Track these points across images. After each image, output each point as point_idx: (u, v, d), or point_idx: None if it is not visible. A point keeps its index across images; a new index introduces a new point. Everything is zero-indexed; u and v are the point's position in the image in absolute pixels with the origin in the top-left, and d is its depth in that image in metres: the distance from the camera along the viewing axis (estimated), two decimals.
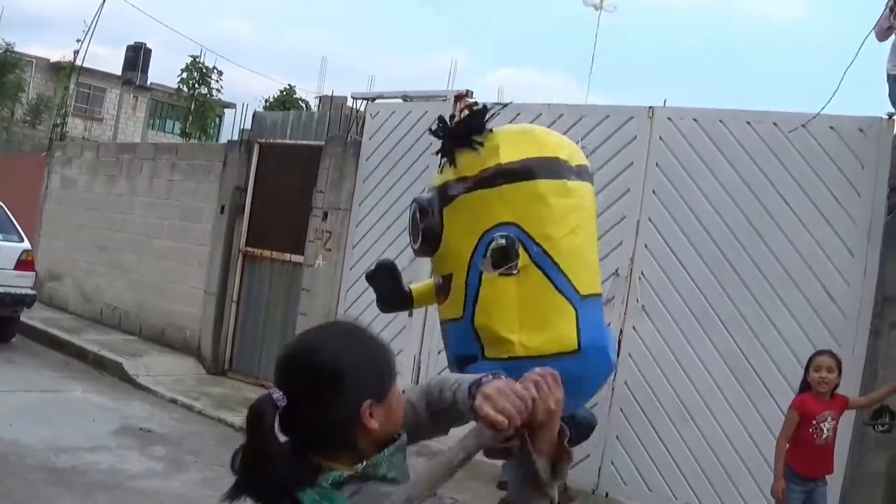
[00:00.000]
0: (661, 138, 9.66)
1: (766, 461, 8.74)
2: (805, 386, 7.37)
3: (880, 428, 7.70)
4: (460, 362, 3.42)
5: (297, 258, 13.00)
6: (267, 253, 13.62)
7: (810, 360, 7.43)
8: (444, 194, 3.92)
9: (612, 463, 9.69)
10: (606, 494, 9.67)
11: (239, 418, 11.10)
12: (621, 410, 9.65)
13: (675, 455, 9.34)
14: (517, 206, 3.41)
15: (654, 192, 9.65)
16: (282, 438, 2.23)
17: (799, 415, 7.24)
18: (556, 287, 3.25)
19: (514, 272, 3.33)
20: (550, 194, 3.44)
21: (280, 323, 13.26)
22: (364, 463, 2.24)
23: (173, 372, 13.54)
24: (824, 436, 7.16)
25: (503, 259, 3.32)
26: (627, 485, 9.61)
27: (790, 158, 9.01)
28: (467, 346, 3.42)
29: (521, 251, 3.39)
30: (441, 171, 3.95)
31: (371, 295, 11.27)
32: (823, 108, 8.49)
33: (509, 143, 3.85)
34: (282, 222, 13.40)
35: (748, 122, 9.26)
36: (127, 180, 16.70)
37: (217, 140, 30.11)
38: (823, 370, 7.23)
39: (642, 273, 9.65)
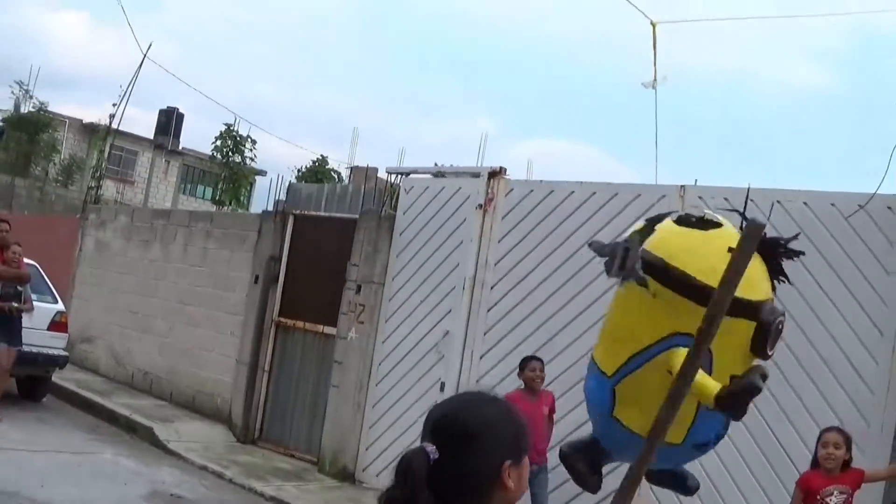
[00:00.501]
0: (685, 203, 9.69)
1: None
2: (815, 462, 7.36)
3: None
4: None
5: (329, 330, 13.02)
6: (300, 324, 13.64)
7: (819, 436, 7.40)
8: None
9: None
10: None
11: (269, 488, 11.20)
12: (651, 489, 9.59)
13: None
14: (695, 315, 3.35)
15: None
16: None
17: (803, 490, 7.26)
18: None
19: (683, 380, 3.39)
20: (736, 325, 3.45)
21: (311, 394, 13.26)
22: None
23: (204, 439, 13.54)
24: None
25: (693, 370, 3.31)
26: None
27: (819, 237, 9.02)
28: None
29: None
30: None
31: (401, 370, 11.41)
32: (876, 189, 8.52)
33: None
34: (315, 294, 13.46)
35: (778, 201, 9.23)
36: (161, 246, 16.81)
37: (249, 208, 30.28)
38: (830, 446, 7.18)
39: None
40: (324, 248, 13.44)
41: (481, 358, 11.07)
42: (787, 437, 8.94)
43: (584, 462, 3.91)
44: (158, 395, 15.88)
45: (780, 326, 3.45)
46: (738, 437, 9.08)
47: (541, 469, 9.27)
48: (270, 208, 14.43)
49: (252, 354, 13.93)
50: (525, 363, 9.60)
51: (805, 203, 9.18)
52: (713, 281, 3.20)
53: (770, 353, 3.42)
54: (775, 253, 3.68)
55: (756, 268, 3.49)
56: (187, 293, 15.84)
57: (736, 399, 3.41)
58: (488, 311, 11.09)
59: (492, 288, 11.10)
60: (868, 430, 8.56)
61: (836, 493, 7.08)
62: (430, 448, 2.32)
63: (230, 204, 31.27)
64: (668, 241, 3.58)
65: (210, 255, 15.62)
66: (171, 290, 16.23)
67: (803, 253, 3.66)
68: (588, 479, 3.95)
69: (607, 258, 3.75)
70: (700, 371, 3.22)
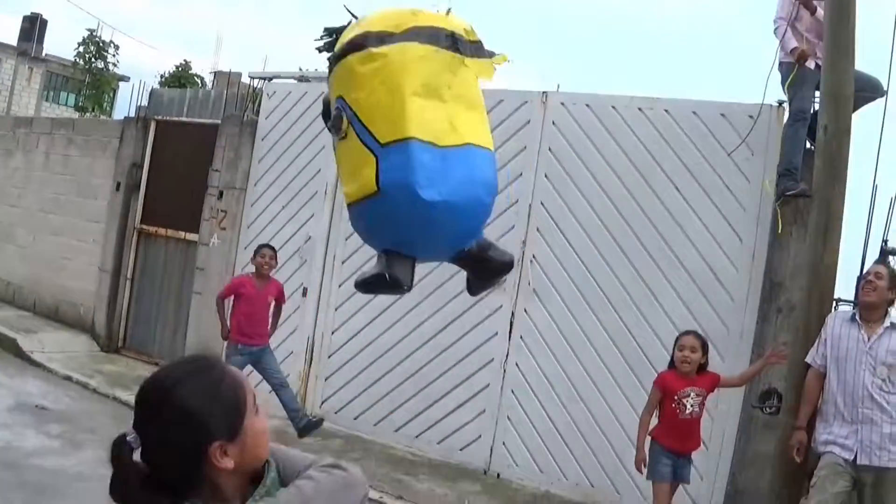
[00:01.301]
0: (554, 123, 9.64)
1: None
2: (672, 364, 7.46)
3: (768, 410, 7.80)
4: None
5: (192, 236, 12.82)
6: (162, 231, 13.41)
7: (676, 339, 7.50)
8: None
9: (504, 444, 9.68)
10: (498, 475, 9.67)
11: (132, 397, 10.95)
12: (512, 392, 9.65)
13: (565, 435, 9.37)
14: (340, 82, 3.57)
15: (546, 176, 9.63)
16: None
17: (660, 390, 7.34)
18: (362, 141, 3.48)
19: (342, 136, 3.53)
20: (357, 64, 3.55)
21: (174, 301, 13.08)
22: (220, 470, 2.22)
23: (67, 349, 13.31)
24: (688, 411, 7.20)
25: (336, 127, 3.54)
26: (519, 465, 9.62)
27: (681, 145, 9.04)
28: None
29: (343, 117, 3.55)
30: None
31: None
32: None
33: (344, 35, 3.89)
34: (177, 200, 13.19)
35: (640, 109, 9.28)
36: (23, 154, 16.34)
37: (112, 114, 29.70)
38: (687, 349, 7.29)
39: (534, 256, 9.63)
40: (186, 154, 13.17)
41: (343, 263, 10.94)
42: (646, 340, 9.01)
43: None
44: (21, 306, 15.56)
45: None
46: (598, 341, 9.16)
47: (263, 349, 9.84)
48: (132, 114, 14.07)
49: (115, 262, 13.68)
50: (258, 250, 10.01)
51: (666, 110, 9.18)
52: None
53: None
54: None
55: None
56: (50, 202, 15.46)
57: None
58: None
59: None
60: (728, 335, 8.69)
61: (692, 394, 7.20)
62: (131, 436, 2.19)
63: (93, 111, 30.59)
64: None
65: (72, 162, 15.21)
66: (34, 198, 15.83)
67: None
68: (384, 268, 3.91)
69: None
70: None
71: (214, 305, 9.86)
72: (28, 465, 7.99)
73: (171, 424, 2.19)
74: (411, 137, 3.48)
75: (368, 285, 3.89)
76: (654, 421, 7.38)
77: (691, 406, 7.19)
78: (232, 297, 9.89)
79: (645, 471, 7.42)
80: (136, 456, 2.20)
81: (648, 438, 7.38)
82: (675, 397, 7.22)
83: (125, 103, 49.09)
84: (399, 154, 3.50)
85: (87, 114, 29.11)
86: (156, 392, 2.24)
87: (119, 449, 2.17)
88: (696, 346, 7.32)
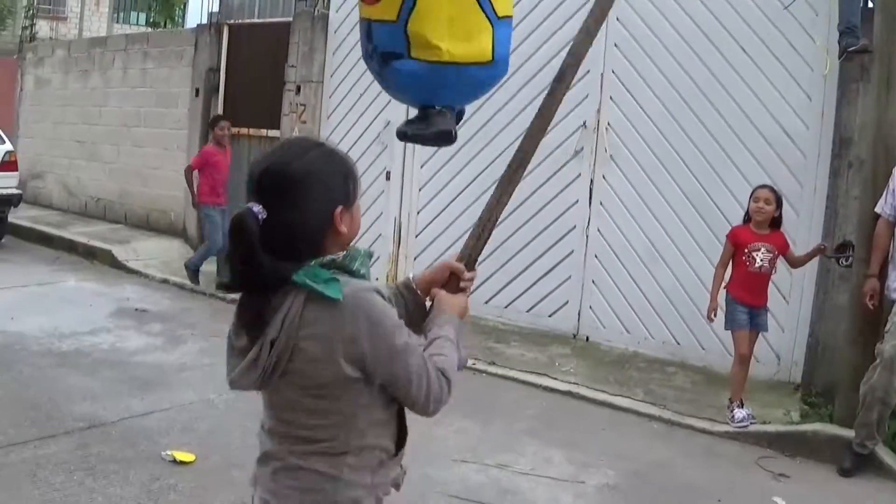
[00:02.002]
0: None
1: None
2: (747, 218, 7.66)
3: (844, 262, 7.85)
4: (386, 57, 3.52)
5: (273, 133, 13.00)
6: (244, 130, 13.56)
7: (752, 192, 7.69)
8: None
9: (591, 307, 9.91)
10: (587, 338, 9.91)
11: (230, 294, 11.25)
12: (596, 257, 9.84)
13: (650, 296, 9.57)
14: None
15: (616, 45, 9.70)
16: None
17: (732, 244, 7.61)
18: (481, 7, 3.43)
19: None
20: None
21: None
22: (343, 254, 2.44)
23: (161, 255, 13.67)
24: (757, 264, 7.50)
25: None
26: (606, 328, 9.85)
27: (746, 9, 9.05)
28: (396, 45, 3.52)
29: None
30: None
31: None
32: None
33: None
34: (256, 99, 13.38)
35: None
36: (100, 73, 16.60)
37: (184, 25, 29.56)
38: (762, 201, 7.53)
39: (609, 124, 9.75)
40: (260, 54, 13.33)
41: None
42: (723, 199, 9.12)
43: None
44: (113, 220, 15.99)
45: None
46: (676, 204, 9.28)
47: (223, 210, 11.53)
48: (205, 22, 14.25)
49: None
50: (216, 122, 11.75)
51: None
52: None
53: None
54: None
55: None
56: (131, 115, 15.74)
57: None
58: None
59: None
60: (802, 192, 8.77)
61: (763, 249, 7.45)
62: (257, 208, 2.32)
63: (165, 25, 30.45)
64: None
65: (150, 75, 15.44)
66: (115, 115, 16.11)
67: None
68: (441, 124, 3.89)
69: None
70: None
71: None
72: (133, 363, 8.28)
73: (303, 190, 2.37)
74: (511, 15, 3.55)
75: (424, 138, 3.63)
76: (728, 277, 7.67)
77: (761, 260, 7.45)
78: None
79: (715, 318, 7.71)
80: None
81: (723, 291, 7.65)
82: (746, 250, 7.48)
83: (196, 14, 48.87)
84: (506, 29, 3.56)
85: (160, 28, 29.05)
86: (277, 167, 2.41)
87: (244, 218, 2.30)
88: (770, 199, 7.52)
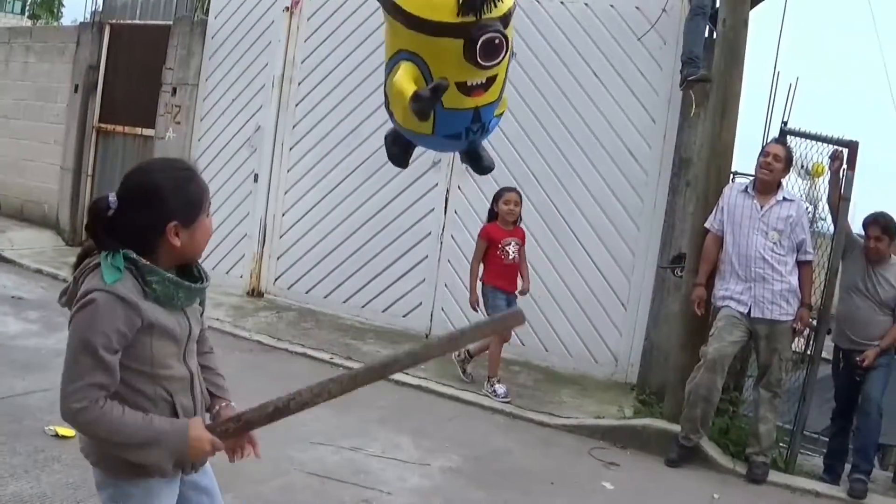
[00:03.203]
0: None
1: (577, 302, 9.26)
2: (493, 216, 8.37)
3: (678, 273, 8.15)
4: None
5: (148, 132, 12.80)
6: (120, 128, 13.38)
7: (499, 194, 8.34)
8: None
9: (442, 309, 10.02)
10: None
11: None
12: (449, 262, 9.96)
13: None
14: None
15: None
16: None
17: (486, 241, 8.27)
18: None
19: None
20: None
21: None
22: (145, 261, 2.73)
23: (35, 245, 13.33)
24: (511, 257, 8.26)
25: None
26: (455, 326, 9.80)
27: (600, 36, 9.31)
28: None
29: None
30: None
31: (218, 164, 11.38)
32: None
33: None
34: (133, 99, 13.15)
35: (562, 2, 9.51)
36: None
37: (60, 19, 28.86)
38: (512, 203, 8.28)
39: None
40: (140, 54, 13.11)
41: (291, 149, 11.08)
42: (568, 211, 9.38)
43: (398, 146, 4.27)
44: None
45: (495, 41, 3.61)
46: (525, 214, 9.42)
47: None
48: (87, 19, 14.07)
49: (75, 160, 13.64)
50: None
51: (586, 4, 9.42)
52: (414, 8, 3.46)
53: (485, 64, 3.60)
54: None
55: None
56: (10, 108, 15.32)
57: (424, 102, 3.65)
58: (296, 105, 11.05)
59: (299, 84, 11.02)
60: (643, 207, 9.06)
61: (512, 243, 8.22)
62: (112, 199, 2.72)
63: (45, 17, 29.55)
64: None
65: (31, 68, 15.05)
66: None
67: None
68: (400, 158, 4.39)
69: None
70: (402, 75, 3.56)
71: None
72: (13, 346, 8.18)
73: (145, 197, 2.74)
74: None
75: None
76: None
77: (513, 253, 8.18)
78: None
79: (479, 308, 8.37)
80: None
81: (480, 284, 8.34)
82: (500, 246, 8.15)
83: (74, 8, 47.69)
84: (454, 117, 3.77)
85: (40, 21, 28.22)
86: (140, 173, 2.83)
87: (98, 202, 2.72)
88: (518, 201, 8.26)
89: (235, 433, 2.98)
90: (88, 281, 2.70)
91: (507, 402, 8.10)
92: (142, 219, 2.73)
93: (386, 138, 4.20)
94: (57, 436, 5.98)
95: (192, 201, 2.81)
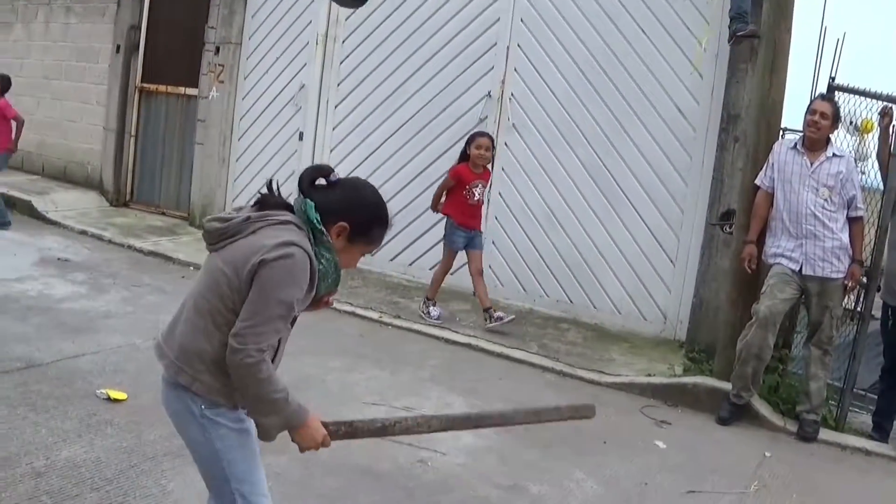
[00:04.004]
0: None
1: (626, 259, 9.37)
2: (464, 157, 8.86)
3: (727, 229, 8.23)
4: None
5: (191, 91, 13.01)
6: (162, 88, 13.57)
7: (472, 138, 8.89)
8: None
9: (490, 267, 10.10)
10: None
11: (146, 244, 11.44)
12: (496, 219, 10.12)
13: (546, 258, 9.87)
14: None
15: (522, 20, 9.91)
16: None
17: (455, 181, 8.79)
18: None
19: None
20: None
21: (178, 153, 13.31)
22: (330, 238, 3.17)
23: (79, 206, 13.57)
24: (476, 198, 8.85)
25: None
26: (504, 286, 10.13)
27: None
28: None
29: None
30: None
31: (262, 124, 11.53)
32: None
33: None
34: (175, 58, 13.33)
35: None
36: (23, 26, 16.24)
37: None
38: (483, 149, 8.80)
39: (512, 94, 9.97)
40: (182, 13, 13.24)
41: (336, 107, 11.26)
42: (617, 169, 9.51)
43: None
44: (30, 170, 15.71)
45: None
46: (574, 172, 9.57)
47: None
48: None
49: (118, 121, 13.82)
50: None
51: None
52: None
53: None
54: None
55: None
56: (52, 68, 15.49)
57: None
58: (341, 63, 11.22)
59: (343, 42, 11.18)
60: (691, 163, 9.13)
61: (479, 185, 8.77)
62: (333, 175, 3.23)
63: None
64: None
65: (72, 29, 15.19)
66: (36, 67, 15.81)
67: None
68: None
69: None
70: None
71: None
72: (61, 309, 8.31)
73: (345, 192, 3.24)
74: None
75: None
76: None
77: (479, 194, 8.74)
78: None
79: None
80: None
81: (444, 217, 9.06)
82: (467, 187, 8.71)
83: None
84: None
85: None
86: (359, 181, 3.38)
87: (321, 169, 3.25)
88: (489, 146, 8.78)
89: (342, 436, 3.28)
90: (282, 233, 3.04)
91: (442, 326, 8.83)
92: (331, 199, 3.17)
93: None
94: (109, 399, 6.14)
95: (373, 234, 3.29)
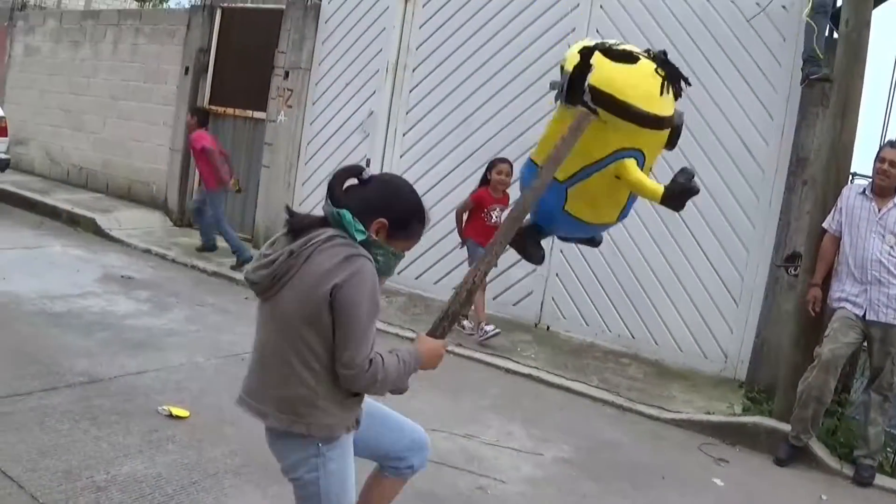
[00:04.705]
0: (601, 6, 10.15)
1: (690, 296, 9.49)
2: (485, 182, 9.53)
3: (792, 272, 8.39)
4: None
5: (259, 115, 13.36)
6: (230, 110, 13.95)
7: (493, 164, 9.55)
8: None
9: (553, 299, 10.38)
10: (548, 327, 10.41)
11: (210, 265, 11.76)
12: (561, 252, 10.31)
13: (609, 291, 10.06)
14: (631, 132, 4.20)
15: None
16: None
17: (475, 204, 9.53)
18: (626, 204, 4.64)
19: None
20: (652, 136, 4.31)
21: (242, 175, 13.52)
22: (374, 237, 3.35)
23: (143, 225, 13.94)
24: (493, 220, 9.37)
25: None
26: (566, 318, 10.33)
27: (719, 30, 9.53)
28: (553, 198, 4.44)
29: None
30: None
31: (329, 149, 11.81)
32: None
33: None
34: (244, 82, 13.70)
35: None
36: (91, 46, 16.77)
37: (167, 1, 29.06)
38: (503, 174, 9.45)
39: None
40: (251, 38, 13.61)
41: (404, 135, 11.55)
42: (687, 207, 9.55)
43: (532, 242, 4.80)
44: (94, 189, 16.19)
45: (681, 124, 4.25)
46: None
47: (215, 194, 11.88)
48: (198, 2, 14.55)
49: (185, 142, 14.02)
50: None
51: (707, 0, 9.63)
52: (650, 107, 4.09)
53: (672, 149, 4.41)
54: (671, 73, 4.28)
55: (654, 85, 4.17)
56: (119, 88, 15.92)
57: (678, 198, 4.34)
58: (410, 91, 11.51)
59: (413, 70, 11.48)
60: (758, 204, 9.28)
61: (497, 209, 9.32)
62: (367, 171, 3.43)
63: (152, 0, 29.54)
64: (611, 78, 4.11)
65: (140, 50, 15.64)
66: (103, 86, 16.29)
67: (689, 84, 4.29)
68: (535, 253, 4.91)
69: (556, 91, 4.33)
70: (640, 174, 4.23)
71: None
72: (124, 325, 8.57)
73: (377, 190, 3.41)
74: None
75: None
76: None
77: (496, 217, 9.25)
78: None
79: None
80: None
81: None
82: (486, 210, 9.34)
83: None
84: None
85: (147, 3, 28.34)
86: (390, 176, 3.62)
87: (351, 170, 3.42)
88: (510, 172, 9.44)
89: (450, 327, 3.68)
90: (335, 251, 3.22)
91: (503, 356, 9.14)
92: (366, 198, 3.34)
93: (514, 243, 4.54)
94: (171, 416, 6.34)
95: (411, 229, 3.45)
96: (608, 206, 4.50)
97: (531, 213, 4.53)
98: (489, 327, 9.47)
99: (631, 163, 4.17)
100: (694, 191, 4.37)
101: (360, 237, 3.25)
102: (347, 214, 3.27)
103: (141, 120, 15.45)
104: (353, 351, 3.17)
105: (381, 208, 3.34)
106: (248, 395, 3.44)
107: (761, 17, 9.23)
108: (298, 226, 3.37)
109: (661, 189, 4.26)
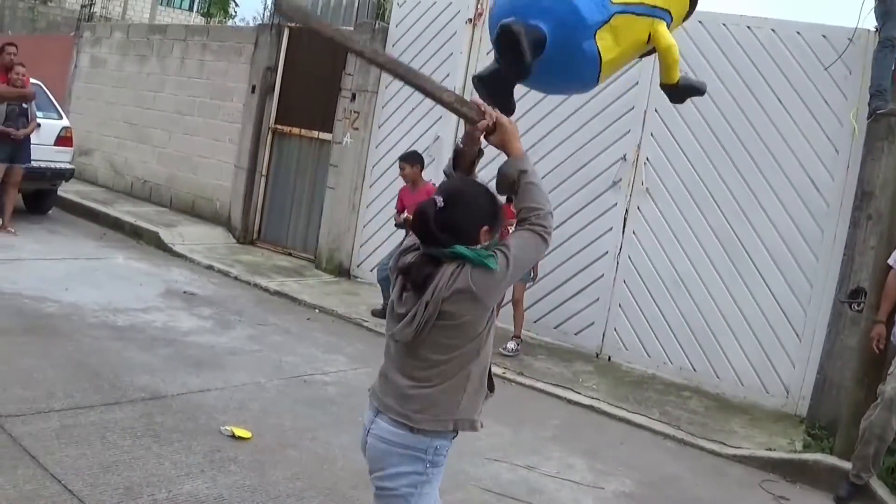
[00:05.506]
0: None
1: (752, 330, 9.66)
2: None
3: (856, 307, 8.46)
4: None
5: (324, 136, 13.67)
6: (296, 130, 14.27)
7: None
8: None
9: (615, 329, 10.57)
10: (609, 358, 10.60)
11: (273, 283, 12.03)
12: (624, 282, 10.53)
13: (671, 323, 10.23)
14: None
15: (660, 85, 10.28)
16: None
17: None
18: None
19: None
20: None
21: (307, 196, 13.96)
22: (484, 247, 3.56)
23: (206, 241, 14.29)
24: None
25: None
26: (628, 349, 10.52)
27: (786, 63, 9.71)
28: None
29: None
30: None
31: (394, 172, 12.10)
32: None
33: None
34: (310, 102, 14.01)
35: (748, 27, 9.97)
36: (158, 60, 17.22)
37: (233, 18, 29.46)
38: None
39: (647, 159, 10.42)
40: (318, 59, 13.84)
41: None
42: (747, 238, 9.84)
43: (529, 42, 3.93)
44: (158, 202, 16.60)
45: None
46: (704, 237, 9.93)
47: None
48: (265, 21, 14.88)
49: (250, 160, 14.54)
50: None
51: (773, 30, 9.83)
52: None
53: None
54: None
55: None
56: (185, 104, 16.34)
57: (684, 91, 4.52)
58: None
59: None
60: (822, 238, 9.45)
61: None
62: (440, 199, 3.51)
63: (218, 16, 29.87)
64: None
65: (207, 67, 16.05)
66: (169, 101, 16.72)
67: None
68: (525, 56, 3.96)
69: None
70: (672, 41, 4.26)
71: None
72: (186, 342, 8.80)
73: (463, 201, 3.61)
74: None
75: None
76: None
77: (510, 231, 9.18)
78: None
79: None
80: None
81: None
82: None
83: (247, 7, 49.14)
84: None
85: (213, 19, 28.68)
86: (460, 184, 3.73)
87: (428, 204, 3.53)
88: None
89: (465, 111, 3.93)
90: (482, 275, 3.46)
91: (564, 387, 9.26)
92: (462, 218, 3.55)
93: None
94: (233, 436, 6.47)
95: (496, 213, 3.68)
96: (618, 61, 4.28)
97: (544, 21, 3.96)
98: (511, 344, 10.08)
99: (664, 27, 4.24)
100: (701, 91, 4.60)
101: (491, 264, 3.45)
102: (462, 249, 3.48)
103: (206, 136, 15.86)
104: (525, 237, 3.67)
105: (480, 219, 3.60)
106: (397, 410, 3.72)
107: (827, 49, 9.44)
108: (419, 282, 3.55)
109: (678, 75, 4.40)
